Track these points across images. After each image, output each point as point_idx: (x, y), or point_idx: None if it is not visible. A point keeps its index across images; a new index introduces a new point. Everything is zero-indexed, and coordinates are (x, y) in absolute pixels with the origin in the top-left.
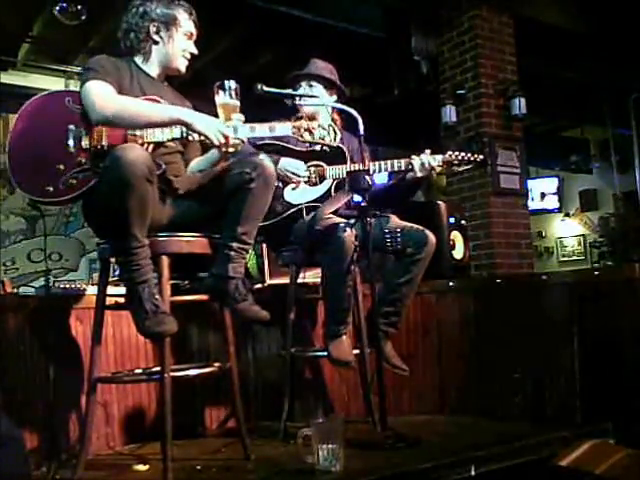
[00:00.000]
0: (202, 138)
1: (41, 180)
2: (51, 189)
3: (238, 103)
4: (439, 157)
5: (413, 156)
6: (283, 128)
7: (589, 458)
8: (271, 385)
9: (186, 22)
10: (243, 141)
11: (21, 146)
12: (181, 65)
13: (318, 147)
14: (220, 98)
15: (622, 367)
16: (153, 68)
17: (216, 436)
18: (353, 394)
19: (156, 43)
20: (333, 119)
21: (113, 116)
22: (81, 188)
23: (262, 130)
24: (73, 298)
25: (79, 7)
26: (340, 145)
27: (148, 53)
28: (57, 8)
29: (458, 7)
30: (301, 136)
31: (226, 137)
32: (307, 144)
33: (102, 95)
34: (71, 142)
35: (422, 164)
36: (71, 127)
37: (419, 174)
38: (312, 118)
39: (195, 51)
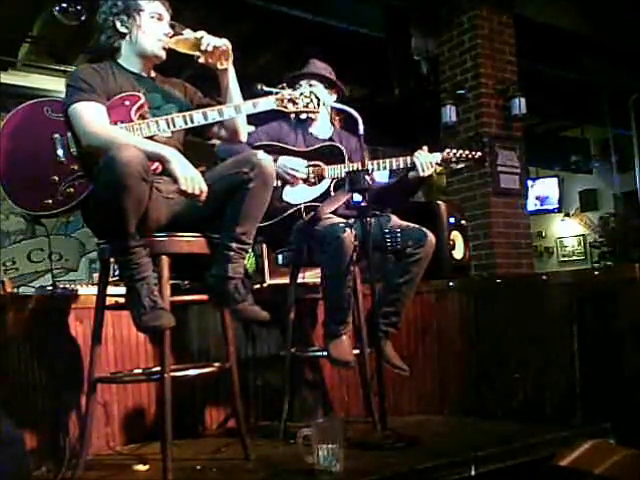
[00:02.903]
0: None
1: (38, 195)
2: (50, 202)
3: (189, 30)
4: (438, 155)
5: (415, 154)
6: (267, 102)
7: (589, 458)
8: (271, 385)
9: (149, 4)
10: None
11: (10, 167)
12: (158, 50)
13: (317, 146)
14: (180, 39)
15: (622, 367)
16: (133, 62)
17: (216, 436)
18: (353, 394)
19: (124, 36)
20: (332, 118)
21: (100, 146)
22: (80, 195)
23: (247, 107)
24: (73, 298)
25: (79, 7)
26: (337, 144)
27: (122, 49)
28: (57, 8)
29: (458, 7)
30: (285, 107)
31: (200, 191)
32: (306, 144)
33: (92, 122)
34: (60, 151)
35: (424, 163)
36: (56, 136)
37: (421, 173)
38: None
39: (169, 31)
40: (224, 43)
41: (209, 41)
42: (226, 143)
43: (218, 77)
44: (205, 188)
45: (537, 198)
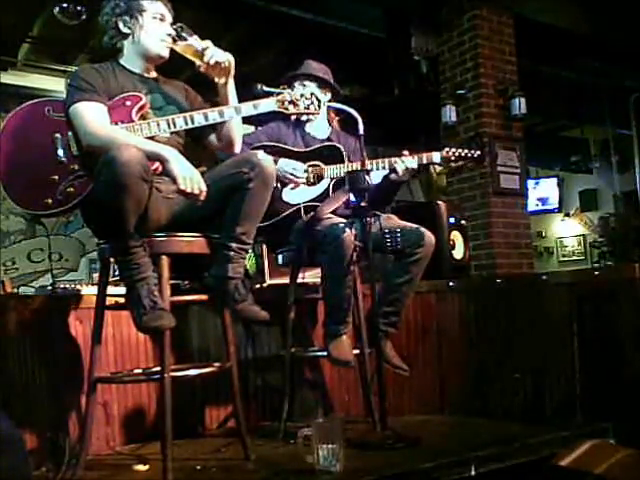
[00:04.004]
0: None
1: (39, 194)
2: (50, 201)
3: (196, 37)
4: (437, 154)
5: (396, 159)
6: (267, 103)
7: (589, 458)
8: (271, 385)
9: (151, 4)
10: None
11: (10, 167)
12: (161, 50)
13: (316, 146)
14: (185, 44)
15: (622, 367)
16: (135, 63)
17: (216, 436)
18: (353, 394)
19: (127, 36)
20: (330, 118)
21: (101, 146)
22: (80, 194)
23: (247, 108)
24: (73, 298)
25: (79, 7)
26: (336, 144)
27: (124, 49)
28: (57, 8)
29: (458, 7)
30: (286, 109)
31: (200, 190)
32: (305, 145)
33: (92, 122)
34: (60, 151)
35: (405, 168)
36: (57, 136)
37: (403, 178)
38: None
39: (172, 32)
40: (227, 59)
41: (212, 54)
42: (221, 153)
43: (217, 85)
44: (205, 188)
45: (538, 200)
